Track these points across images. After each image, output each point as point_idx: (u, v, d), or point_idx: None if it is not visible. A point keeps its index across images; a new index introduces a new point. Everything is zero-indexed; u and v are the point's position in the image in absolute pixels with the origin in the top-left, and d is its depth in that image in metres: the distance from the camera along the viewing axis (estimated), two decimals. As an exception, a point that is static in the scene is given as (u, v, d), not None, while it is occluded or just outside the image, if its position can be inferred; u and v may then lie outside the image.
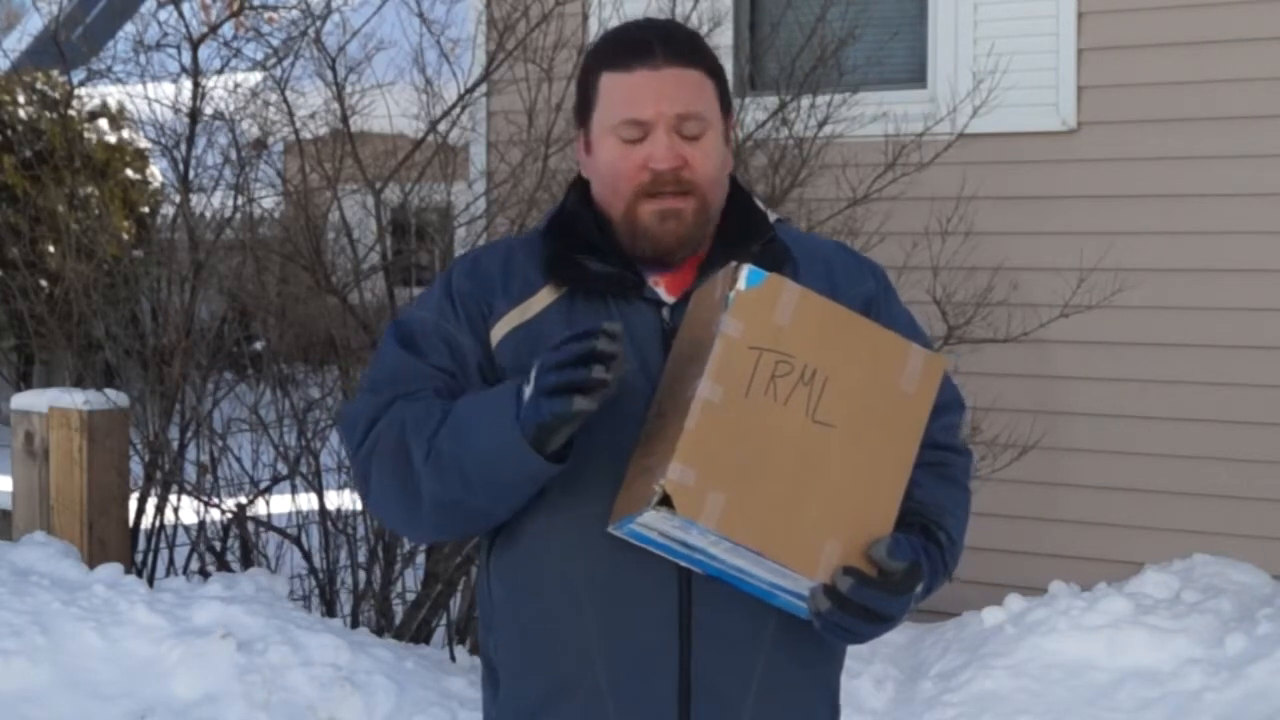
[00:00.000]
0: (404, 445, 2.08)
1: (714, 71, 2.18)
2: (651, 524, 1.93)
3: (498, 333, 2.15)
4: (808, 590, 1.95)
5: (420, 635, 5.40)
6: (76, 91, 8.88)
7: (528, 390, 1.95)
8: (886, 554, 1.94)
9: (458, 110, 5.64)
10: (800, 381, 1.96)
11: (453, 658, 5.30)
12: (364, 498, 2.20)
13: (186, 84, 6.02)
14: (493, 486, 2.03)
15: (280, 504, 5.91)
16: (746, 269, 1.97)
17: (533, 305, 2.15)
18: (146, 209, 9.51)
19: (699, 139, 2.13)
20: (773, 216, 2.26)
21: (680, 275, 2.17)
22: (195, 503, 5.79)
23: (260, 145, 6.25)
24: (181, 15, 6.04)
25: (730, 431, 1.92)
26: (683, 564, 2.02)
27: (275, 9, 6.60)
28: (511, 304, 2.15)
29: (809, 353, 1.97)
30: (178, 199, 6.14)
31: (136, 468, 5.77)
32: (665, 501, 1.88)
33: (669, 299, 2.15)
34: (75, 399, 5.53)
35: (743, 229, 2.21)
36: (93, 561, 5.39)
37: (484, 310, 2.16)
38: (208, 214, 6.11)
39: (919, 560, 2.01)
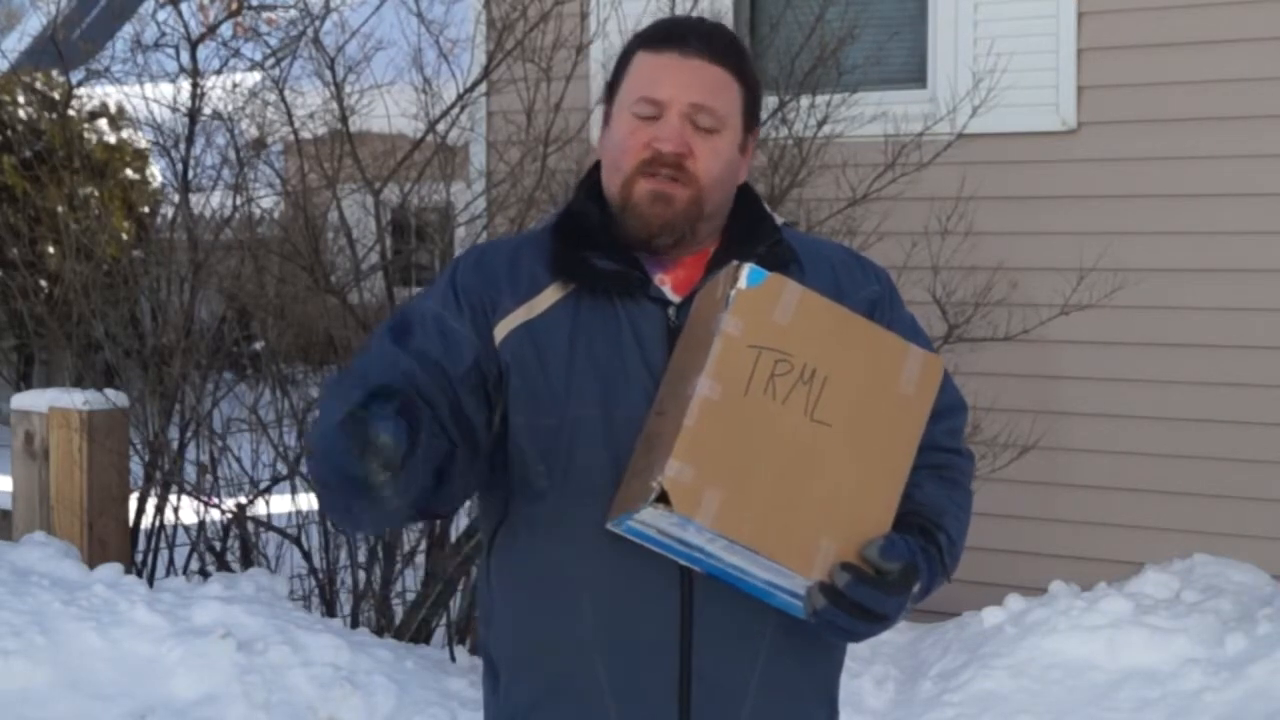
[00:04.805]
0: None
1: (745, 80, 2.19)
2: (649, 521, 1.93)
3: (502, 329, 2.14)
4: (803, 589, 1.96)
5: (420, 635, 5.40)
6: (76, 92, 8.89)
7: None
8: (879, 554, 1.94)
9: (457, 110, 5.64)
10: (800, 380, 1.96)
11: (453, 658, 5.30)
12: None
13: (185, 84, 6.02)
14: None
15: (280, 504, 5.91)
16: (748, 268, 1.97)
17: (539, 303, 2.14)
18: (146, 209, 9.51)
19: (711, 135, 2.13)
20: (779, 220, 2.26)
21: (687, 274, 2.17)
22: (195, 503, 5.79)
23: (259, 145, 6.25)
24: (180, 15, 6.05)
25: (729, 429, 1.92)
26: (681, 562, 2.02)
27: (273, 9, 6.60)
28: (518, 301, 2.14)
29: (809, 352, 1.97)
30: (177, 199, 6.14)
31: (136, 468, 5.77)
32: (662, 498, 1.88)
33: (675, 298, 2.15)
34: (75, 399, 5.53)
35: (750, 230, 2.21)
36: (93, 561, 5.39)
37: (488, 306, 2.15)
38: (207, 214, 6.11)
39: (915, 561, 2.00)
